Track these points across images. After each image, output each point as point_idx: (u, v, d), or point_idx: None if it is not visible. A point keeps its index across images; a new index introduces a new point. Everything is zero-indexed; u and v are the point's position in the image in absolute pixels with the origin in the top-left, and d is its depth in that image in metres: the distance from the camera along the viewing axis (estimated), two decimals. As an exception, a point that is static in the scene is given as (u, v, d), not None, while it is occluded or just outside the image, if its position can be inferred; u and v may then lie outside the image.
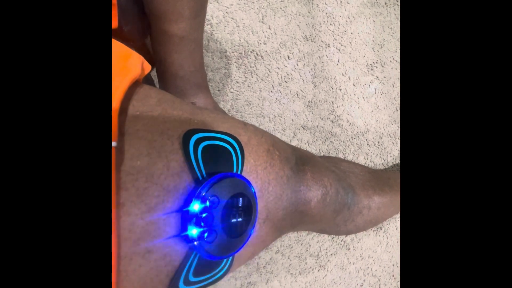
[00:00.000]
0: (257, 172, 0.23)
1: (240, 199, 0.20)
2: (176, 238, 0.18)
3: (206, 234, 0.18)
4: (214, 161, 0.20)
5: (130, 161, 0.18)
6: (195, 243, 0.18)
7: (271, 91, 0.55)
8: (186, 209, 0.18)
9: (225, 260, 0.22)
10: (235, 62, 0.54)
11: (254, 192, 0.21)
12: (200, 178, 0.19)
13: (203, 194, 0.18)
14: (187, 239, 0.19)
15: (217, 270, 0.21)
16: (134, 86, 0.23)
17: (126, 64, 0.22)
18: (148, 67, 0.28)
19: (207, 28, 0.54)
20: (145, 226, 0.18)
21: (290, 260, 0.52)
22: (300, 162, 0.28)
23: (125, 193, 0.17)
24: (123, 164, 0.17)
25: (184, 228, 0.18)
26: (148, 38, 0.41)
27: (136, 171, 0.18)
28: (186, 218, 0.18)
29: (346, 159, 0.56)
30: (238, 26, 0.55)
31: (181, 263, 0.19)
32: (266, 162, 0.24)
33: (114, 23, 0.32)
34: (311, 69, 0.57)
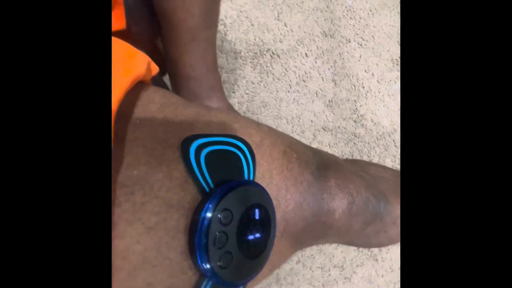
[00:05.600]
0: (272, 177, 0.20)
1: (257, 210, 0.17)
2: (183, 263, 0.16)
3: (219, 258, 0.16)
4: (221, 169, 0.17)
5: (125, 170, 0.15)
6: (208, 270, 0.15)
7: (289, 91, 0.52)
8: (194, 228, 0.16)
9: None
10: (250, 62, 0.52)
11: (271, 201, 0.19)
12: (207, 189, 0.17)
13: (214, 208, 0.15)
14: (198, 266, 0.16)
15: (231, 294, 0.18)
16: (139, 89, 0.21)
17: (129, 63, 0.20)
18: (155, 68, 0.26)
19: (220, 28, 0.52)
20: (143, 252, 0.15)
21: (312, 271, 0.49)
22: (323, 166, 0.25)
23: (118, 209, 0.14)
24: (117, 174, 0.15)
25: (192, 252, 0.16)
26: (159, 40, 0.40)
27: (132, 182, 0.15)
28: (194, 240, 0.16)
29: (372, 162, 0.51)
30: (252, 25, 0.53)
31: None
32: (282, 166, 0.21)
33: (122, 24, 0.30)
34: (331, 66, 0.53)
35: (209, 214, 0.15)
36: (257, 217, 0.18)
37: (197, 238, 0.15)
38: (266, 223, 0.18)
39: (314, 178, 0.24)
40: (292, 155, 0.23)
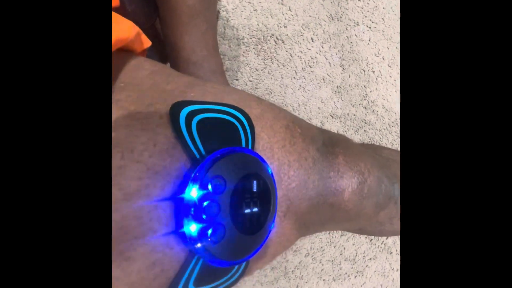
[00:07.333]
0: (272, 150, 0.19)
1: (254, 181, 0.16)
2: (169, 237, 0.14)
3: (210, 231, 0.14)
4: (216, 137, 0.15)
5: None
6: (198, 245, 0.14)
7: (294, 78, 0.50)
8: (180, 196, 0.14)
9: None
10: (254, 48, 0.50)
11: (272, 174, 0.17)
12: (198, 156, 0.15)
13: (204, 175, 0.14)
14: (185, 239, 0.14)
15: (227, 277, 0.17)
16: (127, 57, 0.20)
17: (113, 27, 0.18)
18: (147, 41, 0.24)
19: (222, 14, 0.51)
20: (121, 222, 0.13)
21: (322, 265, 0.46)
22: (330, 143, 0.23)
23: None
24: None
25: (179, 223, 0.14)
26: (157, 23, 0.38)
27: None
28: (180, 209, 0.14)
29: (383, 149, 0.49)
30: (255, 10, 0.51)
31: (177, 272, 0.15)
32: (284, 140, 0.19)
33: (115, 1, 0.29)
34: (338, 51, 0.51)
35: (198, 181, 0.14)
36: (254, 189, 0.16)
37: (183, 207, 0.13)
38: (265, 197, 0.16)
39: (320, 155, 0.21)
40: (295, 130, 0.21)
